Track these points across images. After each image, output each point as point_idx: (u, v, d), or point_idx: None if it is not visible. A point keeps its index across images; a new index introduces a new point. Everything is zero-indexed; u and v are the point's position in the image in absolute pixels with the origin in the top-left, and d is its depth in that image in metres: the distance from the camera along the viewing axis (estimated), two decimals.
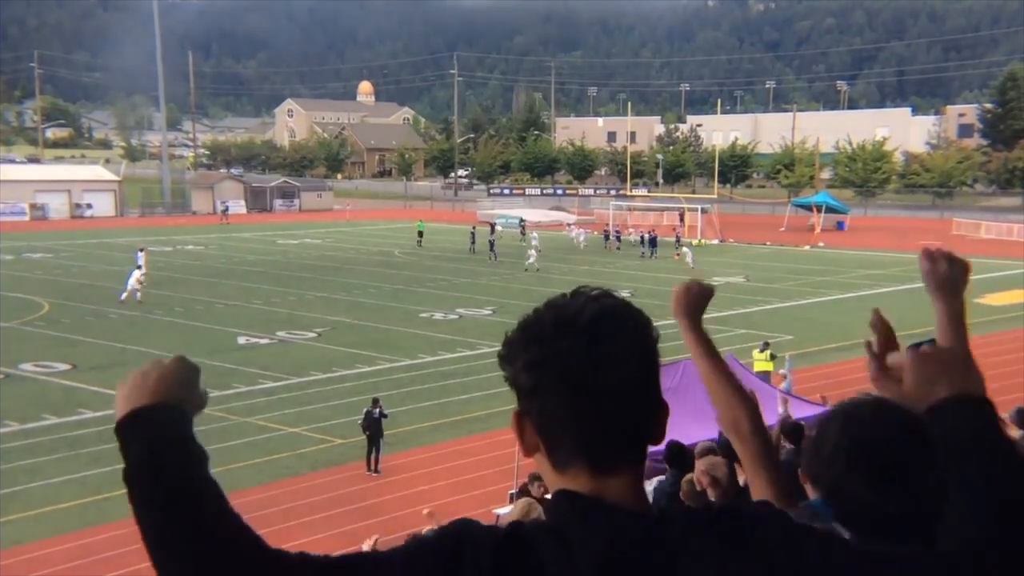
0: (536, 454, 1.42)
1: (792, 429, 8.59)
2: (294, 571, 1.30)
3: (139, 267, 37.01)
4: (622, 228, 59.01)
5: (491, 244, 49.89)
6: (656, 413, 1.41)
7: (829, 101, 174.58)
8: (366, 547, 9.09)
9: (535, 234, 52.29)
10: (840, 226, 68.11)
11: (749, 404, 2.13)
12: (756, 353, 22.54)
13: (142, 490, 1.34)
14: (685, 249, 48.90)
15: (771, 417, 13.50)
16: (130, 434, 1.37)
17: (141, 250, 40.09)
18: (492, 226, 55.08)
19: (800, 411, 14.23)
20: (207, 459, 1.37)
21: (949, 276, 1.91)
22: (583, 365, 1.34)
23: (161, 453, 1.35)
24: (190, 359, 1.48)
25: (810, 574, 1.31)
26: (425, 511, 9.48)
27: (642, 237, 52.51)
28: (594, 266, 46.08)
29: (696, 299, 2.10)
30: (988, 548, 1.33)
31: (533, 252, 45.98)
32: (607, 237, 55.41)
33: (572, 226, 61.67)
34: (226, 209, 76.61)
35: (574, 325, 1.36)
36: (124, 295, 35.07)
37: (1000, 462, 1.39)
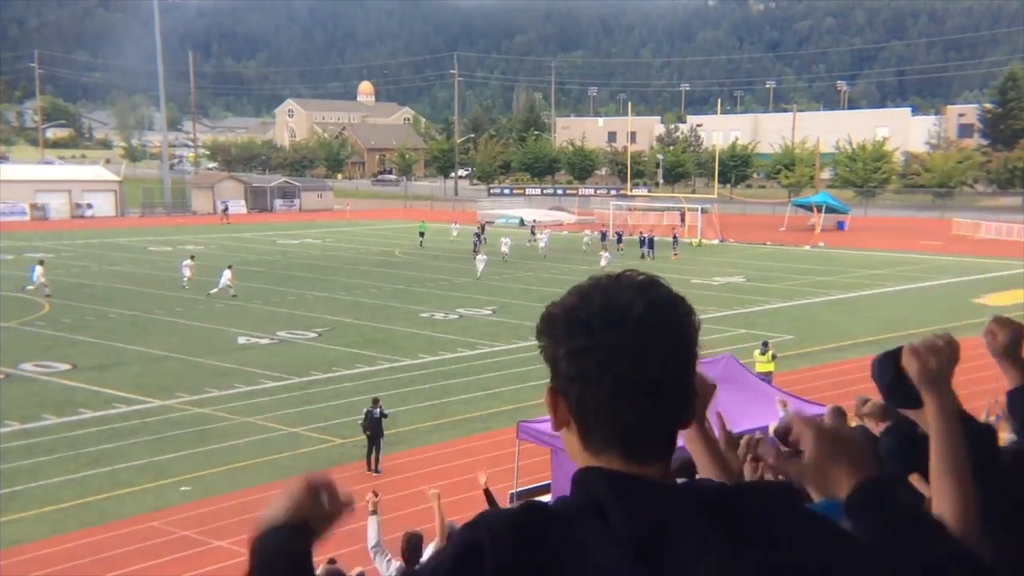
0: (564, 430, 1.43)
1: (786, 432, 8.60)
2: None
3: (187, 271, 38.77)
4: (625, 229, 58.77)
5: (475, 245, 48.96)
6: (690, 399, 1.42)
7: (829, 101, 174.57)
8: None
9: (506, 239, 49.85)
10: (840, 226, 68.10)
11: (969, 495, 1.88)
12: (757, 355, 22.48)
13: None
14: (605, 254, 45.37)
15: (773, 418, 13.50)
16: (255, 550, 1.53)
17: (191, 258, 40.25)
18: (482, 226, 54.91)
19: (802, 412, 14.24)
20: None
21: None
22: (627, 360, 1.33)
23: (271, 571, 1.50)
24: (319, 474, 1.63)
25: (815, 562, 1.34)
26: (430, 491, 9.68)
27: (641, 238, 52.08)
28: (593, 266, 46.01)
29: (948, 362, 1.85)
30: None
31: (482, 259, 42.70)
32: (603, 237, 54.71)
33: (543, 229, 56.79)
34: (226, 208, 76.68)
35: (623, 319, 1.34)
36: (216, 290, 36.28)
37: (922, 537, 1.45)
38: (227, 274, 36.58)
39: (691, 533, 1.31)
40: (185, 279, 38.55)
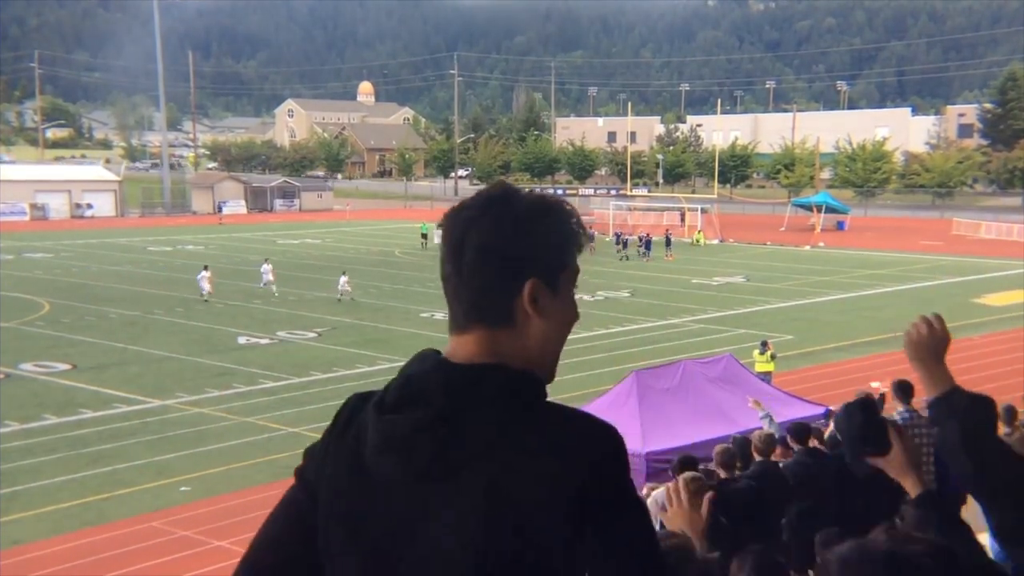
0: None
1: (799, 431, 8.57)
2: None
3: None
4: (625, 230, 58.53)
5: None
6: (509, 290, 1.69)
7: (829, 101, 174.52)
8: None
9: None
10: (840, 226, 68.08)
11: None
12: (756, 355, 22.47)
13: None
14: None
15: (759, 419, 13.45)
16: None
17: (267, 260, 39.72)
18: None
19: (801, 412, 14.24)
20: None
21: (933, 344, 2.20)
22: (454, 240, 1.78)
23: None
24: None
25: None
26: None
27: (639, 238, 51.78)
28: (593, 266, 46.00)
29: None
30: None
31: None
32: (592, 239, 54.05)
33: None
34: (220, 209, 76.68)
35: (462, 208, 1.82)
36: (341, 293, 36.34)
37: None
38: (343, 279, 36.51)
39: (428, 395, 1.62)
40: (266, 282, 37.52)
